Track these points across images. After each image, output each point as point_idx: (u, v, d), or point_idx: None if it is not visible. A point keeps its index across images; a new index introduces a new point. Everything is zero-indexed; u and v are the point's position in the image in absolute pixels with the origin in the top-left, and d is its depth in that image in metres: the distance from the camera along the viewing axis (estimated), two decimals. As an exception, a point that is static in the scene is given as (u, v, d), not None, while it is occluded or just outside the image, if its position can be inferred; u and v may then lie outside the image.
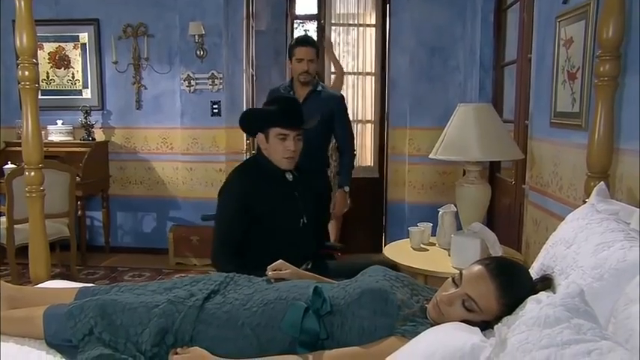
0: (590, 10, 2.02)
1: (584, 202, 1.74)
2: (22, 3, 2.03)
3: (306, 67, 3.15)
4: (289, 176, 2.28)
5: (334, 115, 3.21)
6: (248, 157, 2.38)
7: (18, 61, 2.08)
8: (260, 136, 2.24)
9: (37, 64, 2.12)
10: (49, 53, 4.90)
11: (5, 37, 4.68)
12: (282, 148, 2.18)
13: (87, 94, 4.89)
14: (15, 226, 3.62)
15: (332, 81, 4.73)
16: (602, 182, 1.72)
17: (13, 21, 2.08)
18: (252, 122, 2.31)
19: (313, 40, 3.35)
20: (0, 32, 4.70)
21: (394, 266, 2.20)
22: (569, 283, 1.27)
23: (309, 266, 2.20)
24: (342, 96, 3.43)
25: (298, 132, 2.20)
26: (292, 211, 2.25)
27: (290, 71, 3.40)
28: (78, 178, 4.22)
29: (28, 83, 2.09)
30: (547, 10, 2.56)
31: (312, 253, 2.31)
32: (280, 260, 1.78)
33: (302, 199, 2.29)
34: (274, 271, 1.73)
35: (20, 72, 2.08)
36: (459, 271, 1.43)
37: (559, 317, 1.09)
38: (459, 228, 2.69)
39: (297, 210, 2.27)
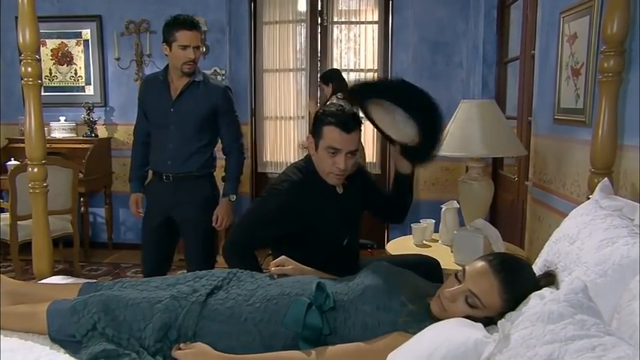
0: (595, 5, 2.01)
1: (588, 199, 1.73)
2: (25, -1, 2.04)
3: (192, 55, 2.58)
4: (339, 189, 2.03)
5: (217, 110, 2.69)
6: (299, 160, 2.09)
7: (21, 57, 2.08)
8: (310, 138, 1.98)
9: (39, 60, 2.12)
10: (51, 50, 4.90)
11: (8, 33, 4.68)
12: (330, 163, 1.91)
13: (89, 90, 4.90)
14: (18, 222, 3.63)
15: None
16: (606, 178, 1.71)
17: (16, 17, 2.08)
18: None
19: (197, 21, 2.72)
20: (1, 29, 4.71)
21: (437, 264, 2.11)
22: (573, 279, 1.27)
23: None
24: (227, 87, 2.81)
25: (352, 149, 1.92)
26: (337, 231, 2.02)
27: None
28: (81, 175, 4.23)
29: (30, 79, 2.10)
30: (551, 5, 2.55)
31: (349, 271, 2.02)
32: (283, 256, 1.78)
33: (349, 214, 2.06)
34: (277, 266, 1.73)
35: (23, 68, 2.09)
36: (461, 268, 1.43)
37: (563, 313, 1.09)
38: (462, 224, 2.69)
39: (343, 229, 2.04)
